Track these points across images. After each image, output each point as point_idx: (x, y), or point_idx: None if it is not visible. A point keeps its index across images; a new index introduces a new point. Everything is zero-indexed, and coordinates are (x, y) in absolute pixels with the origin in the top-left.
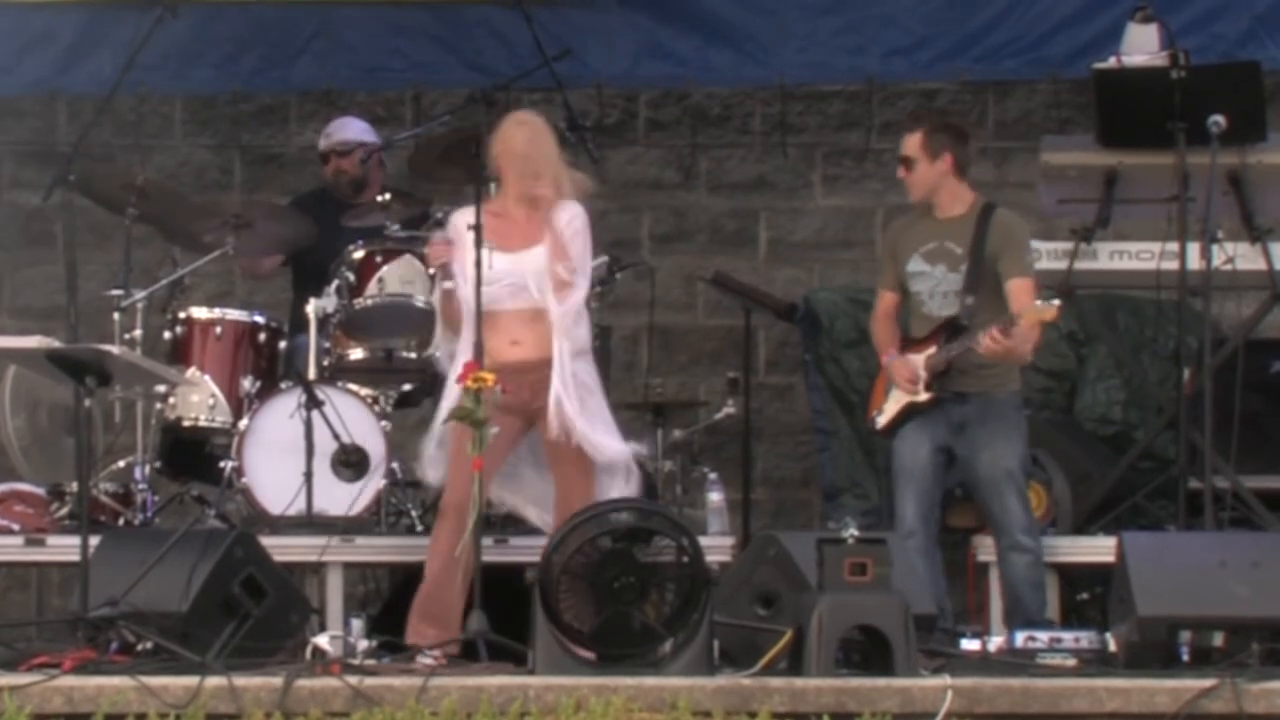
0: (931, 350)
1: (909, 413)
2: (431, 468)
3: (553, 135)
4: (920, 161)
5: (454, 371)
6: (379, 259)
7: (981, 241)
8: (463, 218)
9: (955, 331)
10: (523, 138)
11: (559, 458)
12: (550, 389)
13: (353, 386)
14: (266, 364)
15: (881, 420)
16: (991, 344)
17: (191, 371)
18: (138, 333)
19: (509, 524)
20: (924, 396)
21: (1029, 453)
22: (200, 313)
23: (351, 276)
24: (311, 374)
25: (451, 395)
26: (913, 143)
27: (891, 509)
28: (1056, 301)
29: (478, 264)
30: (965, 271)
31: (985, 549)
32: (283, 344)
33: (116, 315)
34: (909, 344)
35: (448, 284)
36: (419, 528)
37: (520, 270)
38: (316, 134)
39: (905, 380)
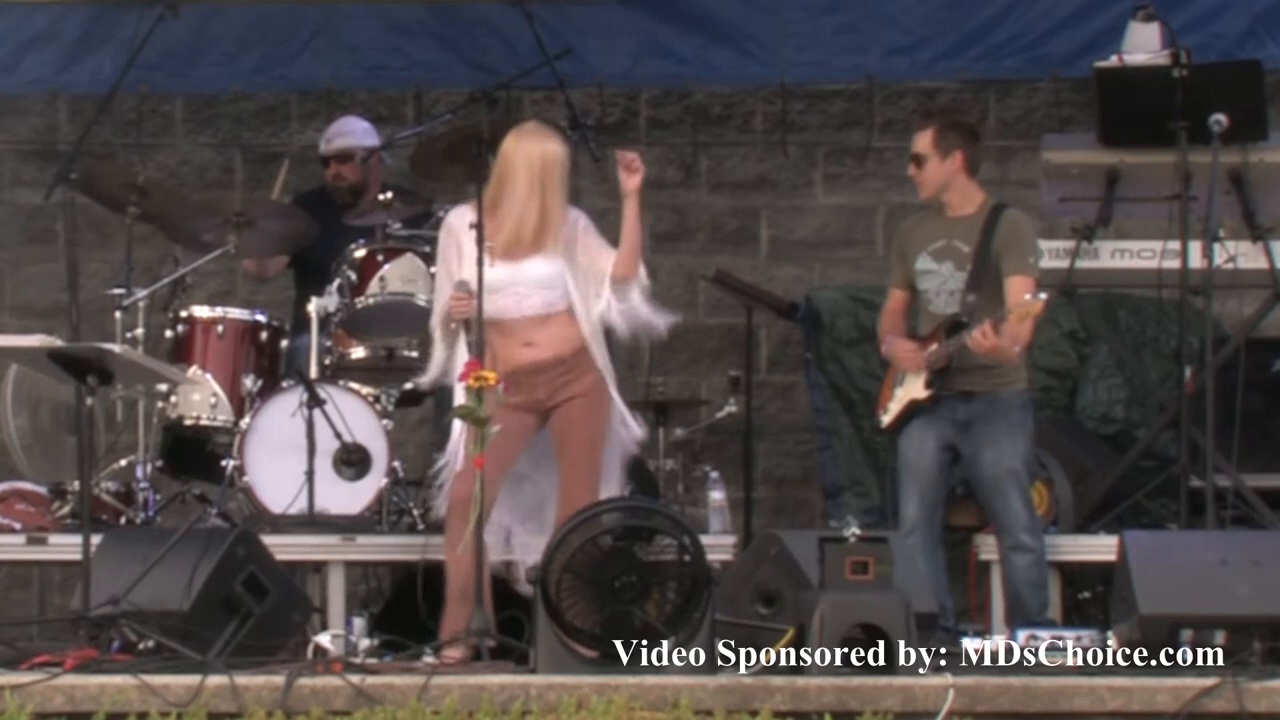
0: (933, 348)
1: (912, 411)
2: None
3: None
4: (931, 159)
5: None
6: (380, 258)
7: (988, 240)
8: (460, 217)
9: (956, 329)
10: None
11: (566, 452)
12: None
13: (354, 385)
14: (268, 363)
15: (886, 419)
16: (981, 339)
17: (193, 370)
18: (139, 331)
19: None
20: (924, 393)
21: (1034, 452)
22: (202, 311)
23: (353, 275)
24: (313, 373)
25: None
26: (923, 140)
27: (893, 508)
28: (1044, 295)
29: (479, 263)
30: (970, 270)
31: (987, 548)
32: (284, 343)
33: (118, 314)
34: (914, 342)
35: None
36: (420, 526)
37: (522, 279)
38: (318, 133)
39: (907, 354)
